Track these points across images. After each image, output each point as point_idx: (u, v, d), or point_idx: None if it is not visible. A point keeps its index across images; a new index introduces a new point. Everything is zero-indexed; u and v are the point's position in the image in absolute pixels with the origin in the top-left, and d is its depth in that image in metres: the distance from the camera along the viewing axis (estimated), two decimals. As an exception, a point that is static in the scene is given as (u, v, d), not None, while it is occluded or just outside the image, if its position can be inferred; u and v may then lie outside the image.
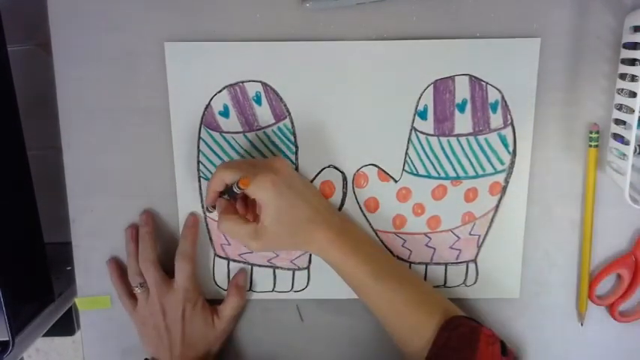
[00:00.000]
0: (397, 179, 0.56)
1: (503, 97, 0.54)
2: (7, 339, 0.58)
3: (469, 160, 0.55)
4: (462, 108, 0.54)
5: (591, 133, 0.54)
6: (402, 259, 0.58)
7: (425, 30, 0.53)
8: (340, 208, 0.57)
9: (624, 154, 0.51)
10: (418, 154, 0.55)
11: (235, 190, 0.49)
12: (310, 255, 0.58)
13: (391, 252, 0.58)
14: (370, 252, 0.53)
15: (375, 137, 0.55)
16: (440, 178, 0.56)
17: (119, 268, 0.57)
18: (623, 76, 0.52)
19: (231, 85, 0.54)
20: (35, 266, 0.66)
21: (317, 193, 0.55)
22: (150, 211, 0.57)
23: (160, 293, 0.54)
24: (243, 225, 0.50)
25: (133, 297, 0.56)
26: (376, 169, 0.56)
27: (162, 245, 0.57)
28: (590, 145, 0.54)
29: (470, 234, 0.57)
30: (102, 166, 0.56)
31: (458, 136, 0.55)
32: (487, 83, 0.54)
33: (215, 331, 0.56)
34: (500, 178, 0.56)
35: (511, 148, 0.55)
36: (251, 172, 0.49)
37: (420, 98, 0.54)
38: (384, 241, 0.57)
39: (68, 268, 0.59)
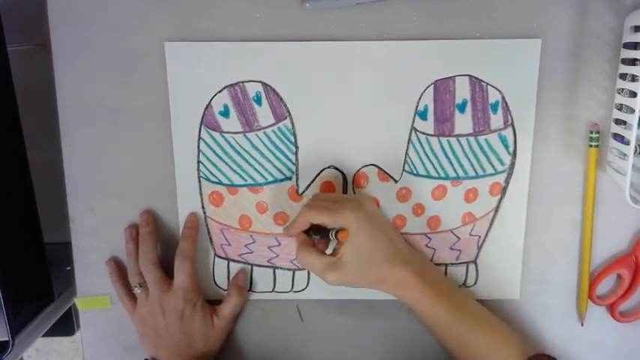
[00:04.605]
0: (397, 179, 0.56)
1: (503, 98, 0.54)
2: (7, 339, 0.58)
3: (469, 161, 0.55)
4: (462, 108, 0.54)
5: (592, 133, 0.54)
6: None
7: (425, 30, 0.53)
8: (340, 208, 0.57)
9: (625, 154, 0.51)
10: (418, 154, 0.55)
11: (332, 238, 0.49)
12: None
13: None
14: (449, 292, 0.52)
15: (375, 137, 0.55)
16: (440, 178, 0.56)
17: (119, 268, 0.57)
18: (623, 76, 0.52)
19: (231, 85, 0.54)
20: (35, 266, 0.66)
21: (398, 233, 0.54)
22: (150, 211, 0.57)
23: (159, 293, 0.54)
24: (320, 257, 0.50)
25: (132, 297, 0.56)
26: (376, 169, 0.56)
27: (162, 245, 0.57)
28: (591, 145, 0.54)
29: (470, 234, 0.57)
30: (102, 166, 0.56)
31: (458, 136, 0.55)
32: (487, 84, 0.54)
33: (215, 330, 0.56)
34: (501, 178, 0.56)
35: (511, 149, 0.55)
36: (335, 208, 0.49)
37: (420, 98, 0.54)
38: (384, 241, 0.57)
39: (68, 268, 0.59)
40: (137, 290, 0.55)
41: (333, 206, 0.50)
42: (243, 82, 0.54)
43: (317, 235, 0.52)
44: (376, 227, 0.50)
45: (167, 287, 0.54)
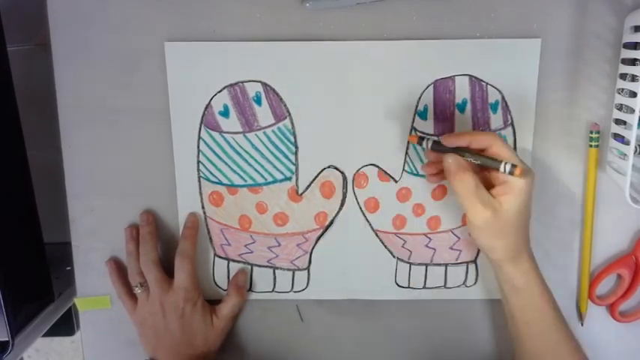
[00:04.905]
0: (397, 179, 0.56)
1: (503, 98, 0.54)
2: (7, 339, 0.58)
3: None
4: (462, 108, 0.54)
5: (592, 133, 0.54)
6: (402, 260, 0.58)
7: (425, 30, 0.53)
8: (340, 209, 0.57)
9: (625, 154, 0.51)
10: (418, 154, 0.55)
11: (505, 169, 0.46)
12: (310, 255, 0.58)
13: (391, 252, 0.58)
14: (547, 286, 0.51)
15: (375, 137, 0.55)
16: (440, 178, 0.56)
17: (119, 268, 0.57)
18: (623, 76, 0.52)
19: (231, 85, 0.54)
20: (35, 266, 0.66)
21: None
22: (150, 211, 0.57)
23: (160, 293, 0.54)
24: (483, 191, 0.46)
25: (132, 297, 0.56)
26: (376, 169, 0.56)
27: (162, 245, 0.57)
28: (591, 145, 0.54)
29: (470, 234, 0.57)
30: (102, 166, 0.56)
31: (458, 136, 0.55)
32: (487, 83, 0.54)
33: (214, 330, 0.56)
34: (501, 178, 0.56)
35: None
36: (521, 160, 0.47)
37: (420, 98, 0.54)
38: (384, 241, 0.57)
39: (68, 268, 0.59)
40: (138, 290, 0.55)
41: (517, 155, 0.47)
42: (243, 82, 0.54)
43: (477, 161, 0.48)
44: (531, 202, 0.49)
45: (168, 287, 0.55)
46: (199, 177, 0.56)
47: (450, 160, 0.48)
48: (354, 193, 0.56)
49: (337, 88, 0.54)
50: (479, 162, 0.48)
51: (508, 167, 0.46)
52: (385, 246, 0.58)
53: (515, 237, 0.48)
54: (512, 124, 0.55)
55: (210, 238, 0.58)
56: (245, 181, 0.56)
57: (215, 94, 0.54)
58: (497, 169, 0.46)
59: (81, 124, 0.55)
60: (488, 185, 0.48)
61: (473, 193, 0.46)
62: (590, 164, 0.55)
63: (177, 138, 0.55)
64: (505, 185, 0.47)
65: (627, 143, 0.51)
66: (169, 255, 0.57)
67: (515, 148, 0.55)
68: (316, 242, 0.57)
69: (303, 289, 0.59)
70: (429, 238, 0.57)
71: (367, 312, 0.59)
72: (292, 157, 0.55)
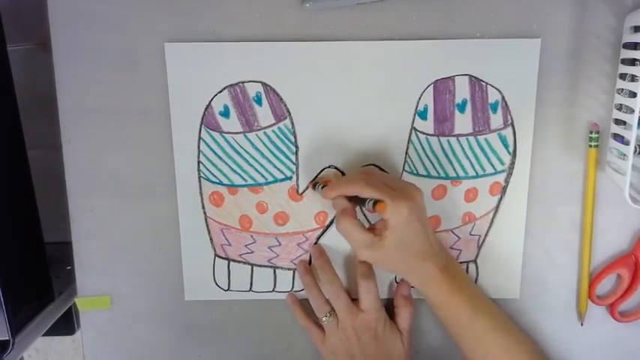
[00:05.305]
0: (397, 179, 0.56)
1: (503, 98, 0.54)
2: (7, 338, 0.58)
3: (469, 161, 0.55)
4: (462, 108, 0.54)
5: (591, 133, 0.54)
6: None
7: (425, 30, 0.53)
8: (340, 208, 0.57)
9: (624, 154, 0.51)
10: (418, 154, 0.55)
11: (368, 208, 0.49)
12: (310, 255, 0.58)
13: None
14: (470, 292, 0.52)
15: (375, 137, 0.55)
16: (440, 178, 0.56)
17: (299, 302, 0.58)
18: (623, 76, 0.52)
19: (231, 86, 0.54)
20: (35, 266, 0.66)
21: (432, 228, 0.53)
22: (318, 245, 0.57)
23: (351, 318, 0.54)
24: (362, 232, 0.50)
25: (320, 328, 0.56)
26: (376, 169, 0.56)
27: (161, 246, 0.57)
28: (591, 145, 0.54)
29: (470, 234, 0.57)
30: (102, 166, 0.56)
31: (458, 136, 0.55)
32: (487, 83, 0.54)
33: (405, 345, 0.56)
34: (501, 178, 0.56)
35: (511, 149, 0.55)
36: (389, 195, 0.48)
37: (420, 98, 0.54)
38: (384, 241, 0.57)
39: (68, 268, 0.60)
40: (326, 320, 0.55)
41: (390, 190, 0.49)
42: (243, 83, 0.54)
43: (352, 202, 0.51)
44: (420, 221, 0.50)
45: (356, 311, 0.54)
46: (199, 177, 0.56)
47: (335, 206, 0.52)
48: (354, 193, 0.56)
49: (337, 88, 0.54)
50: (355, 203, 0.51)
51: (370, 205, 0.48)
52: (385, 246, 0.58)
53: (401, 261, 0.51)
54: (512, 124, 0.55)
55: (211, 239, 0.58)
56: (245, 181, 0.56)
57: (215, 95, 0.54)
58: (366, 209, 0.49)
59: (81, 124, 0.55)
60: None
61: (352, 237, 0.51)
62: (590, 164, 0.55)
63: (177, 138, 0.55)
64: (383, 221, 0.49)
65: (627, 143, 0.51)
66: (168, 255, 0.57)
67: (515, 148, 0.55)
68: (317, 241, 0.58)
69: (303, 289, 0.59)
70: (429, 238, 0.57)
71: (367, 312, 0.59)
72: (292, 157, 0.55)
